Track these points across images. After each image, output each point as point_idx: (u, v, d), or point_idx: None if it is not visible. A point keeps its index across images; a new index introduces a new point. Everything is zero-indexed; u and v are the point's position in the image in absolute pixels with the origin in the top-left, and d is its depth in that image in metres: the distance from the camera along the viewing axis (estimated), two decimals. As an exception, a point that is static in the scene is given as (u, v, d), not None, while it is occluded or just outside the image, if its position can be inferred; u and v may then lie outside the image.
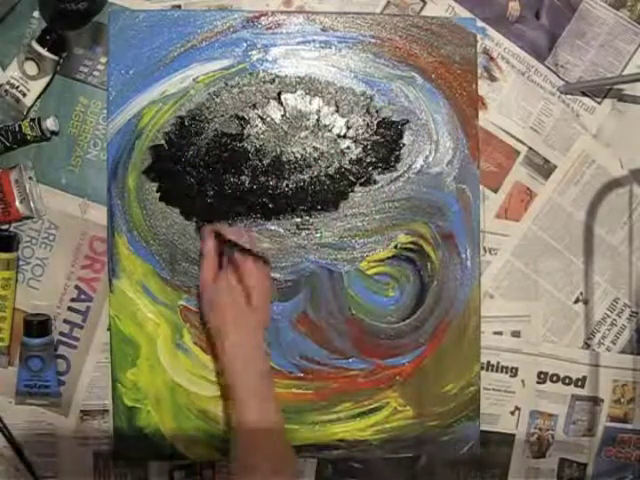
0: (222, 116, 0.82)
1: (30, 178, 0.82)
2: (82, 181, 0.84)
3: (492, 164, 0.89)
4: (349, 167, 0.84)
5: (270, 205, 0.83)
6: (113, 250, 0.81)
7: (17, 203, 0.81)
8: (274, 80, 0.83)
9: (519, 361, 0.89)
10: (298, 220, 0.83)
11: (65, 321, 0.84)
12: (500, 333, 0.89)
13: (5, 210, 0.81)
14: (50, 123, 0.81)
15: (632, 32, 0.91)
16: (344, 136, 0.84)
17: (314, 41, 0.84)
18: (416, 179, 0.85)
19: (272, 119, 0.83)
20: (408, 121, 0.85)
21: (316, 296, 0.84)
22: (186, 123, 0.82)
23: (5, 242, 0.81)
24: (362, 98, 0.84)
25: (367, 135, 0.84)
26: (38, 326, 0.81)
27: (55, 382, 0.83)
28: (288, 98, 0.83)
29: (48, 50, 0.80)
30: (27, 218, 0.83)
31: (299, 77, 0.83)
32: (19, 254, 0.83)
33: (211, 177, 0.82)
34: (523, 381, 0.89)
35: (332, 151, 0.84)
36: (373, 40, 0.84)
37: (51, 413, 0.84)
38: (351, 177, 0.84)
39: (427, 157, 0.85)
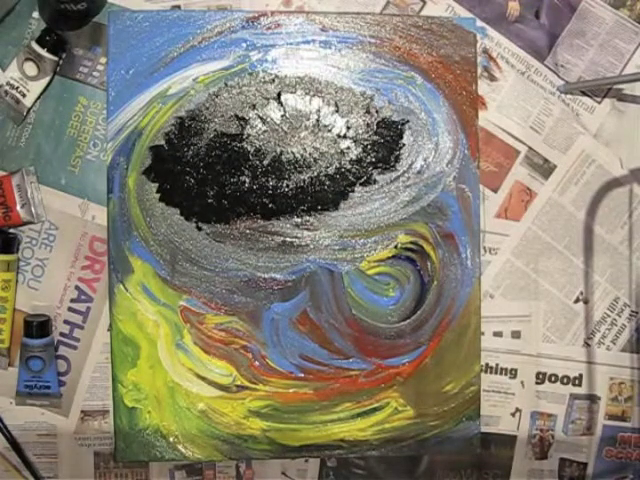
0: (222, 116, 0.82)
1: (32, 183, 0.82)
2: (82, 182, 0.84)
3: (492, 164, 0.89)
4: (349, 167, 0.84)
5: (270, 205, 0.83)
6: (113, 251, 0.81)
7: (18, 208, 0.81)
8: (274, 80, 0.83)
9: (518, 362, 0.89)
10: (298, 220, 0.83)
11: (65, 322, 0.84)
12: (500, 333, 0.89)
13: (6, 215, 0.81)
14: None
15: (632, 31, 0.91)
16: (344, 136, 0.84)
17: (314, 41, 0.83)
18: (416, 179, 0.85)
19: (272, 119, 0.83)
20: (408, 121, 0.85)
21: (316, 296, 0.84)
22: (186, 123, 0.82)
23: (5, 244, 0.81)
24: (362, 98, 0.84)
25: (367, 135, 0.84)
26: (38, 327, 0.81)
27: (55, 383, 0.83)
28: (288, 98, 0.83)
29: (48, 51, 0.80)
30: (28, 223, 0.83)
31: (299, 77, 0.83)
32: (19, 255, 0.83)
33: (211, 177, 0.82)
34: (523, 382, 0.89)
35: (332, 151, 0.84)
36: (373, 40, 0.84)
37: (51, 413, 0.84)
38: (351, 177, 0.84)
39: (427, 157, 0.85)
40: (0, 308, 0.81)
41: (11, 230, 0.83)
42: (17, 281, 0.83)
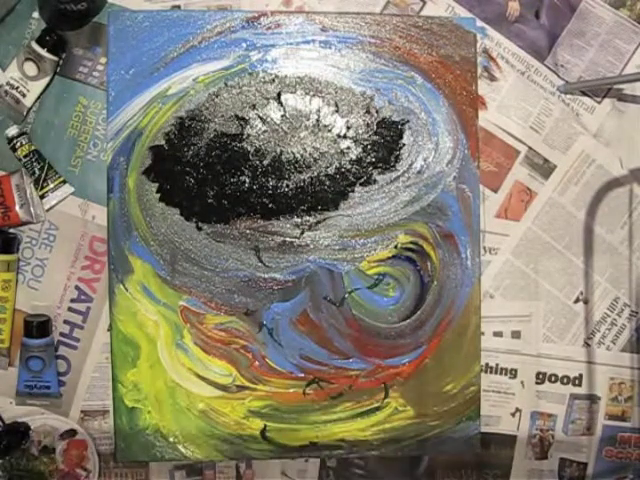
0: (222, 116, 0.82)
1: (31, 183, 0.81)
2: (82, 182, 0.84)
3: (492, 164, 0.89)
4: (349, 167, 0.84)
5: (270, 205, 0.83)
6: (113, 251, 0.81)
7: (17, 208, 0.81)
8: (274, 80, 0.83)
9: (518, 362, 0.89)
10: (298, 220, 0.83)
11: (65, 321, 0.84)
12: (500, 333, 0.89)
13: (5, 214, 0.80)
14: None
15: (632, 31, 0.91)
16: (344, 136, 0.84)
17: (314, 41, 0.83)
18: (416, 179, 0.85)
19: (272, 119, 0.83)
20: (408, 121, 0.85)
21: (316, 296, 0.84)
22: (186, 123, 0.82)
23: (5, 243, 0.81)
24: (362, 98, 0.84)
25: (367, 135, 0.84)
26: (38, 327, 0.81)
27: (55, 383, 0.83)
28: (288, 98, 0.83)
29: (48, 51, 0.80)
30: (27, 223, 0.83)
31: (299, 77, 0.83)
32: (19, 255, 0.83)
33: (211, 177, 0.82)
34: (523, 382, 0.89)
35: (332, 151, 0.84)
36: (373, 40, 0.84)
37: (51, 413, 0.84)
38: (351, 177, 0.84)
39: (427, 157, 0.85)
40: (0, 308, 0.81)
41: (11, 230, 0.83)
42: (17, 281, 0.83)
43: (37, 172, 0.81)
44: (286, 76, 0.83)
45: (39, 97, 0.82)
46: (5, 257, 0.81)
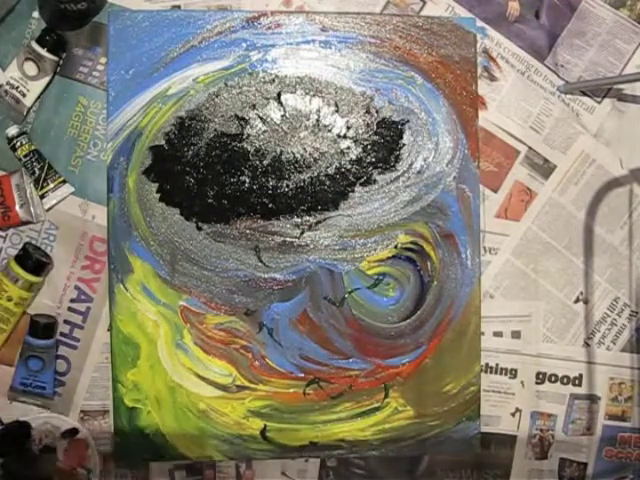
0: (222, 116, 0.82)
1: (31, 183, 0.81)
2: (82, 181, 0.84)
3: (492, 164, 0.89)
4: (349, 167, 0.84)
5: (270, 205, 0.83)
6: (113, 251, 0.81)
7: (17, 208, 0.81)
8: (274, 80, 0.83)
9: (518, 362, 0.89)
10: (298, 220, 0.83)
11: (65, 321, 0.84)
12: (500, 333, 0.89)
13: (5, 214, 0.80)
14: None
15: (632, 31, 0.91)
16: (344, 136, 0.84)
17: (314, 41, 0.84)
18: (416, 179, 0.85)
19: (272, 119, 0.83)
20: (408, 121, 0.85)
21: (316, 296, 0.84)
22: (186, 123, 0.82)
23: (37, 266, 0.80)
24: (362, 98, 0.84)
25: (367, 135, 0.84)
26: (45, 328, 0.81)
27: (51, 384, 0.82)
28: (288, 98, 0.83)
29: (48, 50, 0.80)
30: (27, 223, 0.83)
31: (299, 77, 0.83)
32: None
33: (211, 177, 0.82)
34: (523, 382, 0.89)
35: (332, 151, 0.84)
36: (373, 40, 0.84)
37: (52, 412, 0.84)
38: (351, 177, 0.84)
39: (427, 157, 0.85)
40: (5, 320, 0.80)
41: (43, 258, 0.82)
42: (29, 305, 0.82)
43: (37, 172, 0.81)
44: (286, 76, 0.83)
45: (39, 97, 0.82)
46: (31, 277, 0.80)
